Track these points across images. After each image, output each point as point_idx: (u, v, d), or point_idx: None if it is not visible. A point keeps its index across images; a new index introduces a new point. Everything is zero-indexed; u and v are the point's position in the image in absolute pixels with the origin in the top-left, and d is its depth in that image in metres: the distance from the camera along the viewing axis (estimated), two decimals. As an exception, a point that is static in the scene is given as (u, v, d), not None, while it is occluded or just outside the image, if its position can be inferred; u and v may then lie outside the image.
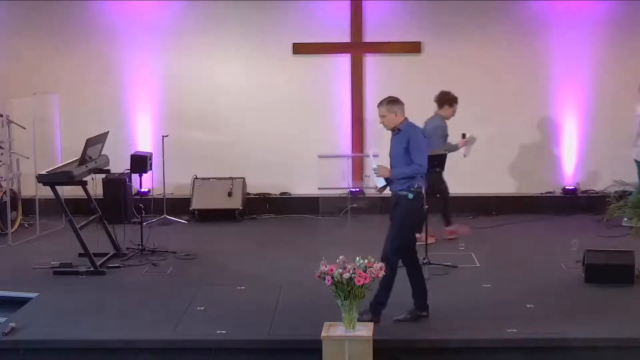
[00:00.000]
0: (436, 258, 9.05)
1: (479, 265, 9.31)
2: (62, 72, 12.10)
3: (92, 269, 9.05)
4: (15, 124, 11.10)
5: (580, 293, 8.22)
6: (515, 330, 7.13)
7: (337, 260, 6.64)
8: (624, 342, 6.99)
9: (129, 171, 10.45)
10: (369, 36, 12.02)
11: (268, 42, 12.06)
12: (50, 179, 9.27)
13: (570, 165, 12.12)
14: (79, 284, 8.76)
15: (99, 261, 9.17)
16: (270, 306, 7.84)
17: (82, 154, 9.41)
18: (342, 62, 12.11)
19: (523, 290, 8.27)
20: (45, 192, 9.78)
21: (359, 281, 6.48)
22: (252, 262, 9.49)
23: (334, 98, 12.16)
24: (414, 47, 11.97)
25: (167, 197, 11.78)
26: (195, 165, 12.05)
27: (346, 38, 12.02)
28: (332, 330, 6.66)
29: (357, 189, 11.77)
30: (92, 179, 9.64)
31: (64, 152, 11.41)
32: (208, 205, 11.78)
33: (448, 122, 10.06)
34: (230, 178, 11.95)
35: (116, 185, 11.28)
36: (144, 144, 12.09)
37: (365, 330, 6.66)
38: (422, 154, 7.33)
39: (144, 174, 10.21)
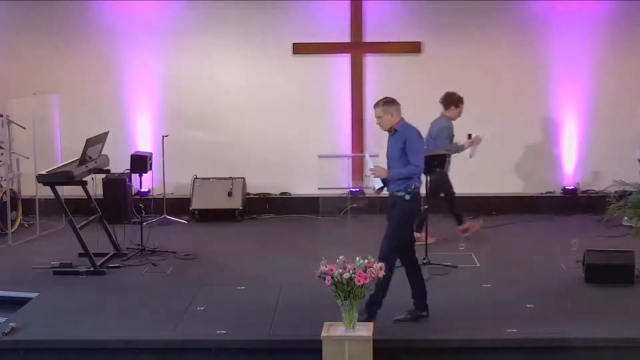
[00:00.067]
0: (436, 258, 9.05)
1: (479, 265, 9.31)
2: (62, 72, 12.10)
3: (92, 269, 9.05)
4: (15, 124, 11.10)
5: (580, 293, 8.22)
6: (515, 330, 7.13)
7: (337, 260, 6.64)
8: (624, 342, 6.99)
9: (129, 171, 10.44)
10: (369, 36, 12.02)
11: (268, 42, 12.06)
12: (50, 179, 9.27)
13: (570, 165, 12.13)
14: (79, 284, 8.76)
15: (99, 261, 9.17)
16: (270, 306, 7.84)
17: (82, 154, 9.41)
18: (342, 62, 12.11)
19: (523, 290, 8.28)
20: (45, 192, 9.78)
21: (359, 281, 6.48)
22: (252, 262, 9.49)
23: (334, 98, 12.16)
24: (414, 47, 11.97)
25: (167, 197, 11.78)
26: (195, 165, 12.05)
27: (346, 38, 12.02)
28: (332, 330, 6.67)
29: (357, 189, 11.77)
30: (92, 179, 9.64)
31: (64, 152, 11.41)
32: (208, 205, 11.78)
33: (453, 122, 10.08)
34: (230, 178, 11.95)
35: (116, 185, 11.28)
36: (144, 144, 12.09)
37: (365, 330, 6.66)
38: (418, 154, 7.33)
39: (144, 174, 10.21)
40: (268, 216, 12.00)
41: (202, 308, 7.85)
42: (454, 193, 10.15)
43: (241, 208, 11.79)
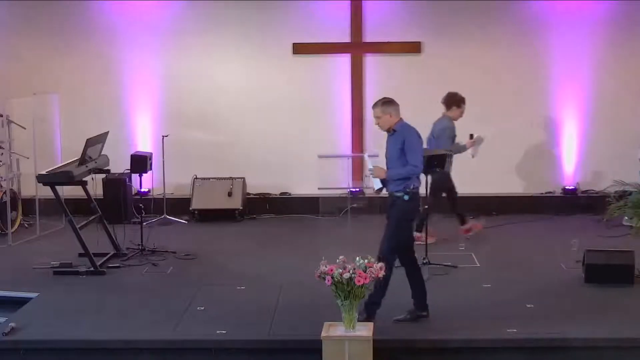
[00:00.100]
0: (436, 258, 9.05)
1: (479, 265, 9.31)
2: (62, 72, 12.10)
3: (92, 269, 9.05)
4: (15, 124, 11.10)
5: (580, 293, 8.22)
6: (515, 330, 7.13)
7: (337, 260, 6.64)
8: (624, 342, 6.99)
9: (129, 171, 10.44)
10: (369, 36, 12.02)
11: (268, 42, 12.06)
12: (50, 179, 9.27)
13: (570, 165, 12.13)
14: (79, 284, 8.76)
15: (99, 261, 9.17)
16: (270, 306, 7.84)
17: (82, 154, 9.41)
18: (342, 62, 12.11)
19: (523, 290, 8.28)
20: (45, 192, 9.78)
21: (359, 281, 6.48)
22: (252, 262, 9.49)
23: (334, 98, 12.16)
24: (414, 47, 11.97)
25: (167, 197, 11.78)
26: (195, 165, 12.05)
27: (346, 38, 12.02)
28: (332, 330, 6.66)
29: (357, 189, 11.77)
30: (92, 179, 9.64)
31: (64, 152, 11.41)
32: (208, 205, 11.78)
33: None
34: (230, 178, 11.95)
35: (116, 185, 11.28)
36: (144, 144, 12.09)
37: (365, 330, 6.66)
38: (417, 154, 7.32)
39: (144, 174, 10.21)
40: (268, 216, 12.00)
41: (202, 308, 7.85)
42: (456, 193, 10.16)
43: (241, 208, 11.79)
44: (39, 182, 9.52)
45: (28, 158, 10.95)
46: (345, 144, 12.13)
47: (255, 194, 12.17)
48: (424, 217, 9.45)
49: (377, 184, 7.48)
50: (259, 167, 12.10)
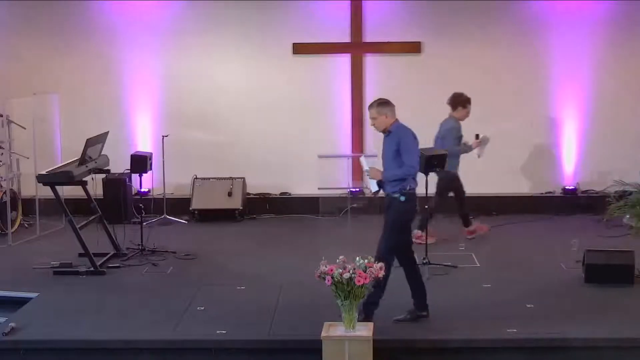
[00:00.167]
0: (436, 258, 9.05)
1: (479, 265, 9.31)
2: (62, 72, 12.10)
3: (92, 269, 9.05)
4: (15, 124, 11.10)
5: (580, 293, 8.22)
6: (515, 330, 7.14)
7: (337, 260, 6.64)
8: (624, 342, 6.99)
9: (129, 171, 10.44)
10: (369, 36, 12.02)
11: (268, 42, 12.06)
12: (50, 179, 9.27)
13: (570, 165, 12.13)
14: (79, 284, 8.76)
15: (99, 261, 9.17)
16: (270, 306, 7.84)
17: (82, 154, 9.41)
18: (342, 62, 12.11)
19: (523, 290, 8.28)
20: (45, 192, 9.78)
21: (359, 281, 6.48)
22: (252, 262, 9.49)
23: (334, 98, 12.16)
24: (414, 47, 11.97)
25: (167, 197, 11.78)
26: (195, 165, 12.05)
27: (346, 38, 12.02)
28: (332, 330, 6.66)
29: (357, 189, 11.77)
30: (92, 179, 9.64)
31: (64, 152, 11.42)
32: (208, 205, 11.78)
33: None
34: (230, 178, 11.95)
35: (116, 185, 11.28)
36: (144, 144, 12.09)
37: (365, 330, 6.66)
38: (412, 155, 7.32)
39: (144, 174, 10.21)
40: (268, 216, 12.00)
41: (202, 308, 7.86)
42: (464, 193, 10.18)
43: (241, 208, 11.79)
44: (39, 182, 9.52)
45: (28, 158, 10.95)
46: (345, 144, 12.13)
47: (255, 194, 12.17)
48: (427, 216, 9.46)
49: (373, 185, 7.50)
50: (259, 167, 12.10)
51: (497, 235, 10.64)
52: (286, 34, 12.01)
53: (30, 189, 10.98)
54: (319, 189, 11.65)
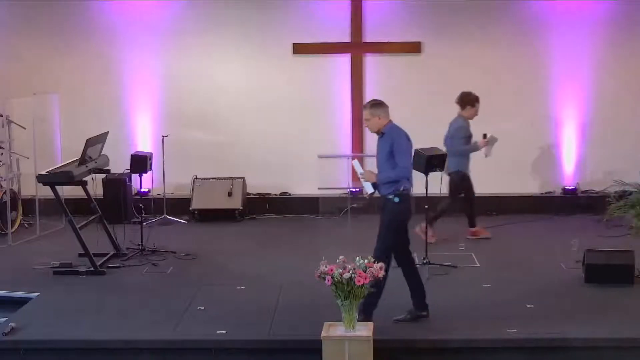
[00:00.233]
0: (436, 258, 9.05)
1: (479, 265, 9.31)
2: (62, 72, 12.10)
3: (92, 269, 9.05)
4: (15, 124, 11.10)
5: (580, 293, 8.22)
6: (515, 330, 7.14)
7: (337, 260, 6.64)
8: (624, 342, 6.99)
9: (129, 171, 10.45)
10: (369, 36, 12.02)
11: (268, 42, 12.06)
12: (50, 179, 9.27)
13: (570, 165, 12.13)
14: (79, 284, 8.76)
15: (99, 261, 9.17)
16: (270, 306, 7.84)
17: (82, 154, 9.41)
18: (342, 62, 12.11)
19: (523, 290, 8.28)
20: (45, 192, 9.78)
21: (359, 281, 6.48)
22: (252, 262, 9.49)
23: (334, 98, 12.16)
24: (414, 47, 11.97)
25: (167, 197, 11.78)
26: (195, 165, 12.05)
27: (346, 38, 12.02)
28: (332, 330, 6.66)
29: (357, 189, 11.76)
30: (92, 179, 9.64)
31: (64, 152, 11.42)
32: (208, 205, 11.78)
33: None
34: (230, 178, 11.95)
35: (116, 185, 11.28)
36: (144, 144, 12.09)
37: (365, 330, 6.66)
38: (405, 156, 7.31)
39: (144, 174, 10.21)
40: (268, 216, 12.00)
41: (202, 308, 7.85)
42: (474, 193, 10.20)
43: (241, 208, 11.79)
44: (39, 182, 9.52)
45: (28, 158, 10.95)
46: (345, 144, 12.13)
47: (255, 194, 12.17)
48: (438, 214, 9.59)
49: (369, 187, 7.51)
50: (259, 167, 12.10)
51: (497, 235, 10.63)
52: (286, 34, 12.01)
53: (30, 189, 10.98)
54: (319, 189, 11.66)
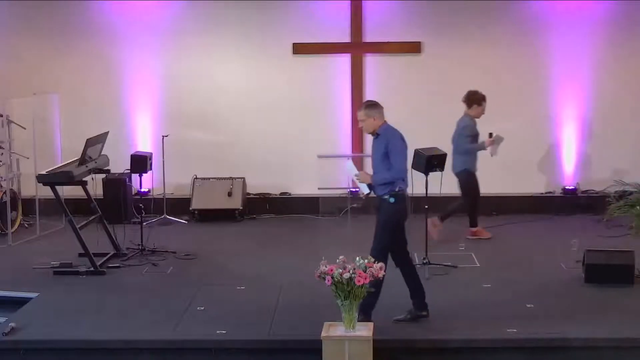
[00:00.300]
0: (436, 258, 9.05)
1: (479, 265, 9.31)
2: (62, 72, 12.10)
3: (92, 269, 9.05)
4: (15, 124, 11.10)
5: (580, 293, 8.22)
6: (515, 330, 7.14)
7: (337, 260, 6.64)
8: (624, 342, 6.99)
9: (129, 171, 10.45)
10: (369, 36, 12.01)
11: (268, 42, 12.06)
12: (50, 179, 9.27)
13: (570, 165, 12.12)
14: (79, 284, 8.76)
15: (99, 261, 9.17)
16: (270, 306, 7.84)
17: (82, 154, 9.41)
18: (342, 62, 12.11)
19: (523, 290, 8.28)
20: (45, 192, 9.79)
21: (359, 281, 6.48)
22: (252, 262, 9.49)
23: (334, 98, 12.15)
24: (414, 47, 11.97)
25: (167, 197, 11.78)
26: (195, 165, 12.05)
27: (346, 38, 12.02)
28: (332, 330, 6.66)
29: (357, 189, 11.75)
30: (92, 179, 9.64)
31: (64, 152, 11.42)
32: (208, 205, 11.78)
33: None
34: (230, 178, 11.95)
35: (116, 185, 11.28)
36: (144, 144, 12.09)
37: (365, 330, 6.66)
38: (400, 157, 7.30)
39: (144, 174, 10.21)
40: (268, 216, 12.00)
41: (202, 308, 7.85)
42: (479, 193, 10.21)
43: (241, 208, 11.79)
44: (39, 182, 9.52)
45: (28, 158, 10.95)
46: (345, 144, 12.12)
47: (255, 194, 12.17)
48: (452, 211, 9.74)
49: (364, 188, 7.52)
50: (259, 167, 12.10)
51: (497, 235, 10.63)
52: (286, 34, 12.01)
53: (30, 189, 10.98)
54: (319, 189, 11.66)
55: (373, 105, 7.43)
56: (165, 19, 12.10)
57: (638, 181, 9.11)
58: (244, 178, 12.01)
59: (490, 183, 11.81)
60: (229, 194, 11.82)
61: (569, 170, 12.12)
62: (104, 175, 10.67)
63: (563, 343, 6.97)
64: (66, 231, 10.05)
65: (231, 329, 7.26)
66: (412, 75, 11.96)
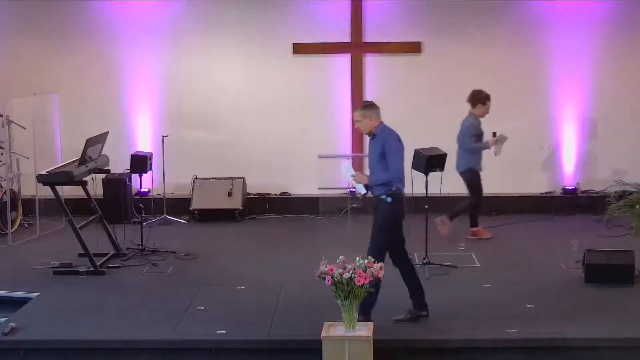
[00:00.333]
0: (436, 258, 9.05)
1: (479, 265, 9.31)
2: (62, 72, 12.10)
3: (92, 269, 9.05)
4: (15, 124, 11.10)
5: (580, 293, 8.22)
6: (515, 330, 7.14)
7: (337, 260, 6.64)
8: (624, 342, 6.99)
9: (129, 171, 10.45)
10: (369, 36, 12.02)
11: (268, 42, 12.06)
12: (50, 179, 9.27)
13: (570, 165, 12.12)
14: (79, 284, 8.76)
15: (99, 261, 9.17)
16: (270, 306, 7.84)
17: (82, 154, 9.41)
18: (342, 62, 12.11)
19: (523, 290, 8.28)
20: (45, 192, 9.79)
21: (359, 281, 6.48)
22: (252, 262, 9.49)
23: (334, 98, 12.16)
24: (414, 47, 11.97)
25: (167, 197, 11.78)
26: (195, 165, 12.05)
27: (346, 38, 12.02)
28: (332, 330, 6.67)
29: (355, 189, 11.75)
30: (92, 179, 9.64)
31: (64, 152, 11.42)
32: (208, 205, 11.78)
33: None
34: (230, 178, 11.95)
35: (116, 185, 11.29)
36: (144, 144, 12.09)
37: (365, 330, 6.66)
38: (396, 158, 7.30)
39: (144, 174, 10.21)
40: (268, 216, 12.00)
41: (202, 308, 7.85)
42: (482, 193, 10.21)
43: (241, 208, 11.79)
44: (39, 182, 9.52)
45: (28, 158, 10.95)
46: (345, 144, 12.13)
47: (255, 194, 12.17)
48: (461, 209, 9.89)
49: (361, 188, 7.52)
50: (259, 167, 12.10)
51: (497, 235, 10.63)
52: (286, 34, 12.01)
53: (30, 189, 10.98)
54: (319, 189, 11.66)
55: (369, 105, 7.43)
56: (165, 19, 12.10)
57: (638, 181, 9.11)
58: (244, 178, 12.01)
59: (491, 183, 11.81)
60: (229, 194, 11.82)
61: (569, 170, 12.12)
62: (104, 175, 10.67)
63: (563, 343, 6.97)
64: (66, 231, 10.05)
65: (231, 329, 7.26)
66: (412, 75, 11.96)
